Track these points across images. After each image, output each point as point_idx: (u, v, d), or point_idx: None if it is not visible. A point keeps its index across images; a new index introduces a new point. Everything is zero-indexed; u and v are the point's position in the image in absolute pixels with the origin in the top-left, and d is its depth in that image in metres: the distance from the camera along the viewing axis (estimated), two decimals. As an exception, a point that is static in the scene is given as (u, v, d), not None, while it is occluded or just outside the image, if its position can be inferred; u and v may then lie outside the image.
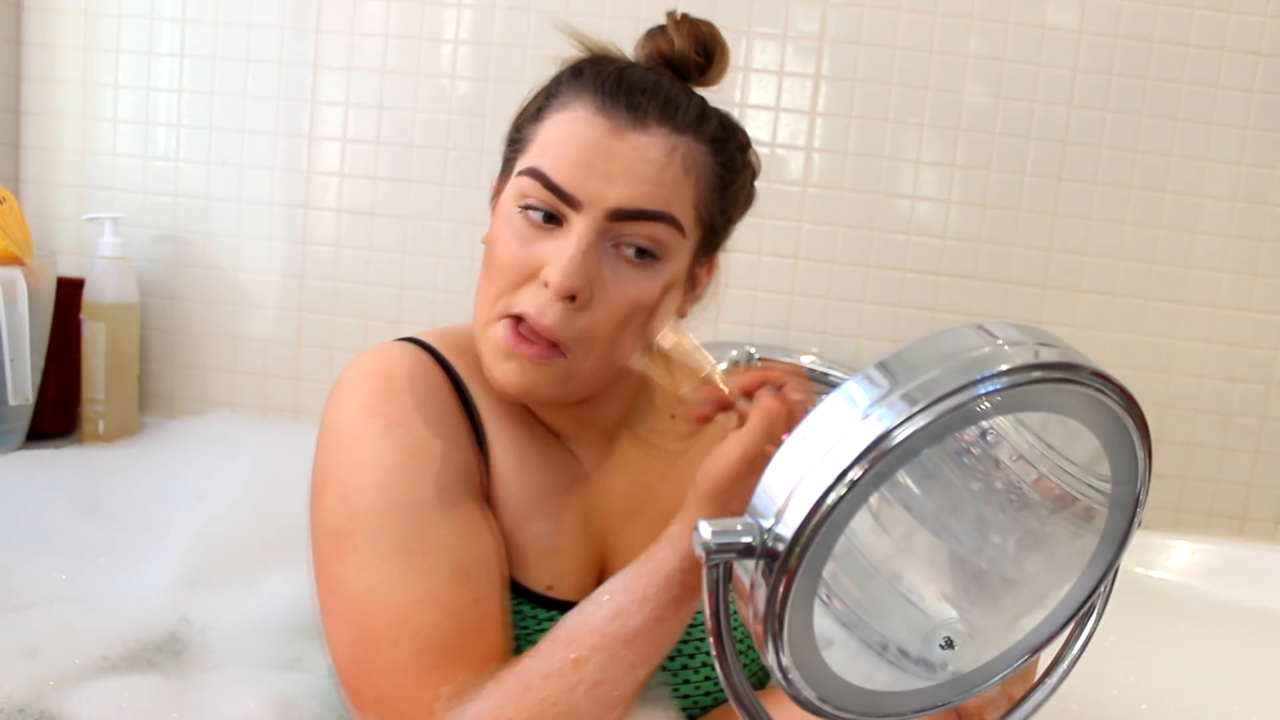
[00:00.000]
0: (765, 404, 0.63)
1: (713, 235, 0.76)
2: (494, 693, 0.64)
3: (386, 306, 1.43)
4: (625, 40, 0.78)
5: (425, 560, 0.67)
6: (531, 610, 0.72)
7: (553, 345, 0.69)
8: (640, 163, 0.69)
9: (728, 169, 0.75)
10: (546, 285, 0.68)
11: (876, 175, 1.39)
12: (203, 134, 1.43)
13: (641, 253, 0.70)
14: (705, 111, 0.74)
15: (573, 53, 0.77)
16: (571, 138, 0.69)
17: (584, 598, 0.73)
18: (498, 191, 0.77)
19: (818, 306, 1.41)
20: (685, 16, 0.77)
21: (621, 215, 0.69)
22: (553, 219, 0.70)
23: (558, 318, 0.68)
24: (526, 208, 0.70)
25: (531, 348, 0.69)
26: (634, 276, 0.70)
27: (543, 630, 0.70)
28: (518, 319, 0.70)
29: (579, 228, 0.68)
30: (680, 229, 0.71)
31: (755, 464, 0.59)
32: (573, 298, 0.68)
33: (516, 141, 0.75)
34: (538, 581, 0.74)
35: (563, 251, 0.68)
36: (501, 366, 0.71)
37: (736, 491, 0.62)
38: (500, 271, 0.71)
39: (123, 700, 0.83)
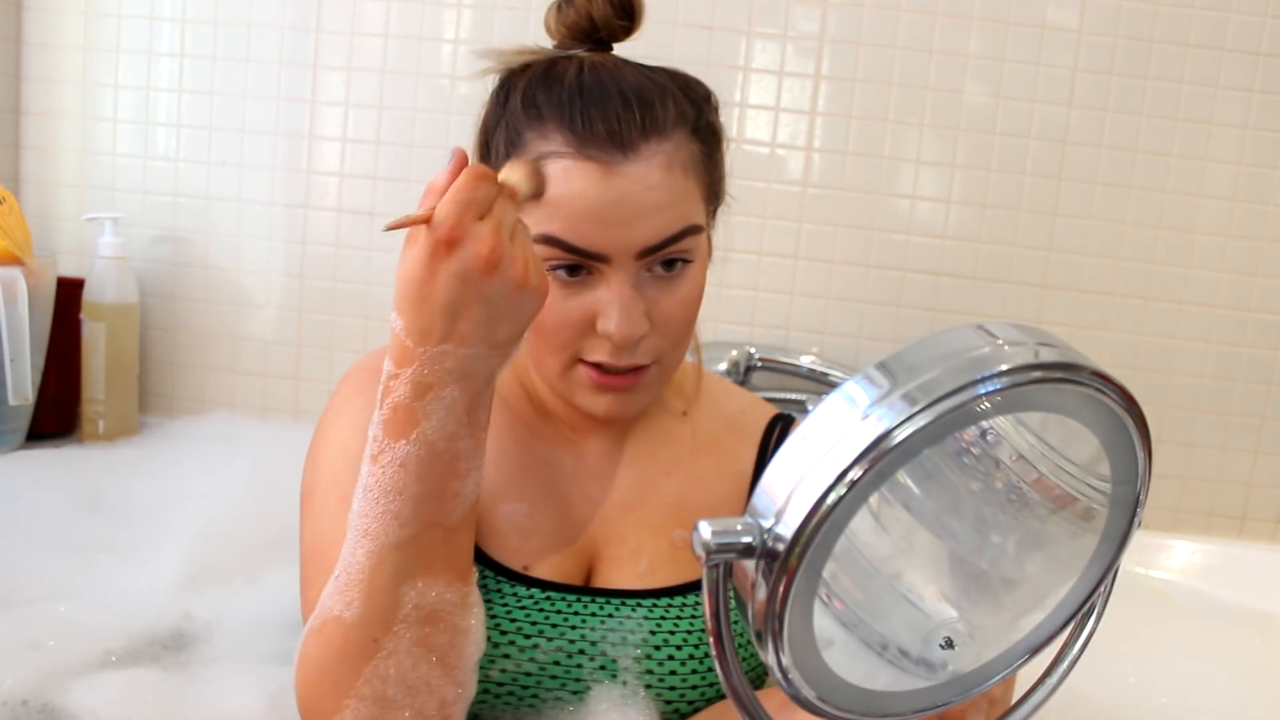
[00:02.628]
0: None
1: (718, 198, 0.77)
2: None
3: (386, 306, 1.42)
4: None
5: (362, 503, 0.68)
6: (511, 588, 0.73)
7: (638, 369, 0.73)
8: (647, 193, 0.69)
9: (710, 137, 0.75)
10: (609, 337, 0.70)
11: (876, 175, 1.39)
12: (203, 134, 1.43)
13: (673, 263, 0.72)
14: (666, 92, 0.72)
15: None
16: (570, 194, 0.68)
17: (561, 577, 0.75)
18: None
19: (818, 306, 1.41)
20: None
21: (650, 251, 0.70)
22: (580, 269, 0.70)
23: (633, 354, 0.71)
24: (555, 268, 0.70)
25: (624, 379, 0.73)
26: (677, 284, 0.72)
27: (522, 608, 0.72)
28: (596, 365, 0.72)
29: (615, 277, 0.69)
30: (701, 228, 0.73)
31: (434, 262, 0.59)
32: (640, 339, 0.71)
33: None
34: (514, 560, 0.75)
35: (610, 304, 0.69)
36: (599, 401, 0.74)
37: (426, 291, 0.60)
38: (552, 332, 0.72)
39: (125, 694, 0.83)
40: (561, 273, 0.70)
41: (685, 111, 0.72)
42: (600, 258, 0.69)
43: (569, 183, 0.68)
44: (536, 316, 0.64)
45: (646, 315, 0.71)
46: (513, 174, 0.65)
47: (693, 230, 0.71)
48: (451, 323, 0.60)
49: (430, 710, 0.63)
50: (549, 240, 0.69)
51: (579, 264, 0.70)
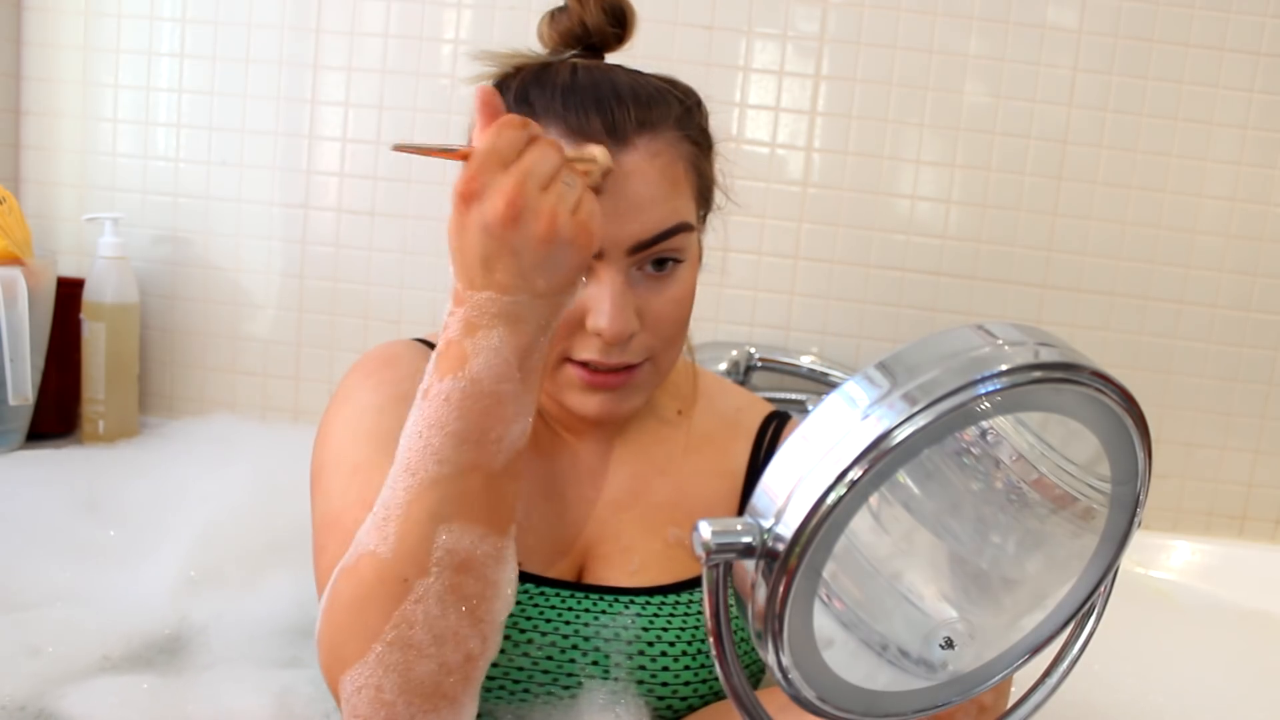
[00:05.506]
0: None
1: (708, 204, 0.78)
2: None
3: (386, 306, 1.43)
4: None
5: (367, 473, 0.68)
6: None
7: (629, 368, 0.72)
8: (641, 187, 0.69)
9: (701, 140, 0.75)
10: (599, 334, 0.70)
11: (876, 175, 1.39)
12: (203, 134, 1.43)
13: (664, 262, 0.72)
14: (660, 92, 0.73)
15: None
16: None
17: (553, 575, 0.76)
18: None
19: (818, 306, 1.41)
20: None
21: (640, 247, 0.70)
22: None
23: (623, 353, 0.71)
24: None
25: (613, 378, 0.72)
26: (667, 284, 0.72)
27: (516, 603, 0.72)
28: (584, 363, 0.72)
29: (606, 274, 0.69)
30: (692, 227, 0.73)
31: (459, 215, 0.59)
32: (630, 337, 0.71)
33: None
34: None
35: (600, 300, 0.69)
36: (589, 401, 0.74)
37: (460, 242, 0.60)
38: None
39: (123, 698, 0.83)
40: None
41: (678, 113, 0.73)
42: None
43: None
44: (584, 266, 0.62)
45: (637, 314, 0.71)
46: (586, 150, 0.65)
47: (684, 228, 0.71)
48: (488, 272, 0.60)
49: (454, 663, 0.62)
50: None
51: None
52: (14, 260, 1.25)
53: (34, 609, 0.97)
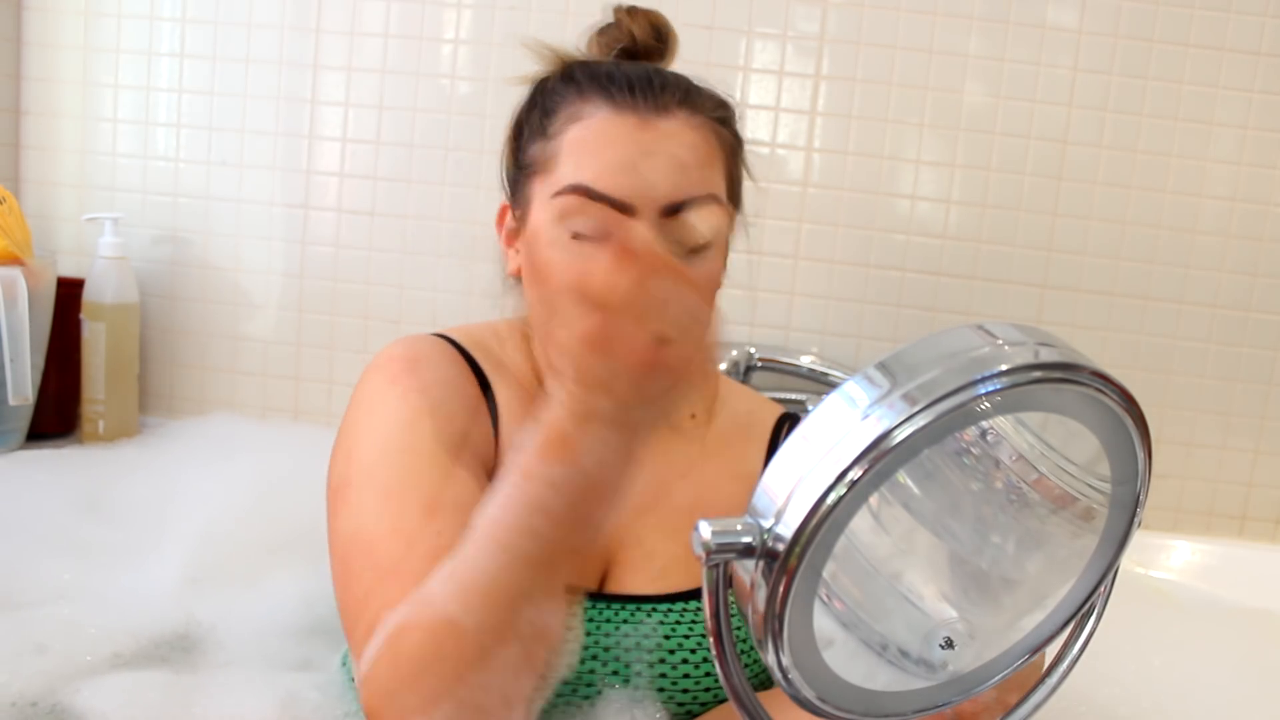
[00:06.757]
0: None
1: (737, 202, 0.79)
2: (403, 606, 0.62)
3: (386, 306, 1.43)
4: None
5: (401, 498, 0.68)
6: None
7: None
8: (678, 149, 0.70)
9: (737, 138, 0.78)
10: None
11: (876, 175, 1.39)
12: (203, 134, 1.43)
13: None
14: (700, 86, 0.76)
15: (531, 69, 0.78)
16: (602, 142, 0.69)
17: (579, 582, 0.74)
18: (515, 221, 0.77)
19: (818, 306, 1.41)
20: (634, 8, 0.79)
21: (675, 209, 0.70)
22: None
23: None
24: (577, 234, 0.69)
25: None
26: (698, 263, 0.72)
27: None
28: None
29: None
30: (722, 201, 0.74)
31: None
32: None
33: (527, 167, 0.74)
34: None
35: None
36: None
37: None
38: (564, 298, 0.70)
39: (133, 695, 0.83)
40: (585, 233, 0.70)
41: (717, 106, 0.75)
42: (625, 207, 0.69)
43: (601, 130, 0.70)
44: (683, 373, 0.57)
45: None
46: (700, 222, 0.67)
47: (715, 199, 0.72)
48: (607, 393, 0.56)
49: (515, 717, 0.61)
50: (578, 190, 0.69)
51: (606, 224, 0.69)
52: (14, 260, 1.25)
53: (37, 608, 0.97)
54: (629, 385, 0.55)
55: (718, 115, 0.75)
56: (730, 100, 0.79)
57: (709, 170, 0.72)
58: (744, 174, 0.80)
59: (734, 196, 0.78)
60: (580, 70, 0.74)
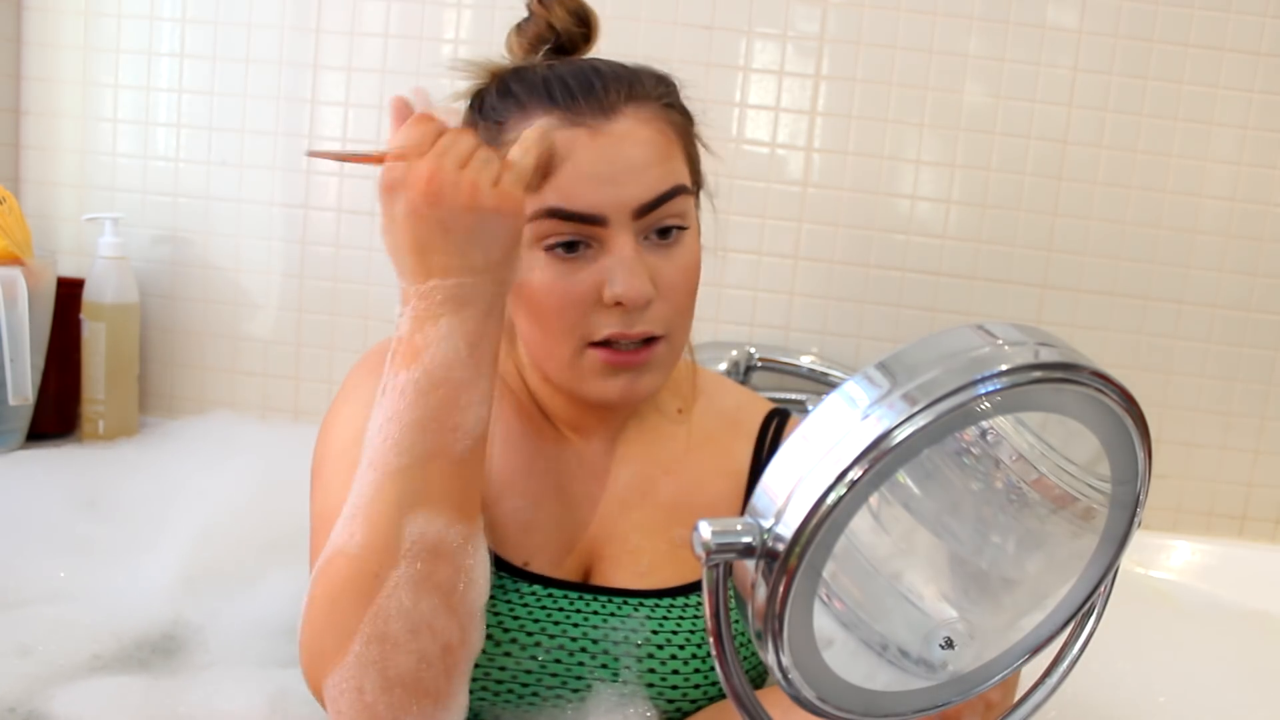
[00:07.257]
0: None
1: (699, 178, 0.79)
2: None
3: (386, 306, 1.43)
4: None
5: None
6: (514, 584, 0.74)
7: (650, 340, 0.72)
8: (635, 149, 0.70)
9: (686, 115, 0.77)
10: (619, 304, 0.70)
11: (876, 175, 1.39)
12: (203, 134, 1.43)
13: (668, 230, 0.72)
14: (638, 70, 0.75)
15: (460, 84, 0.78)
16: (558, 160, 0.69)
17: (561, 575, 0.75)
18: None
19: (818, 306, 1.41)
20: None
21: (646, 210, 0.70)
22: (578, 244, 0.70)
23: (643, 320, 0.71)
24: (552, 247, 0.70)
25: (634, 356, 0.72)
26: (675, 252, 0.73)
27: (525, 603, 0.73)
28: (605, 342, 0.72)
29: (615, 241, 0.70)
30: (689, 190, 0.74)
31: (386, 207, 0.64)
32: (648, 301, 0.71)
33: None
34: (515, 556, 0.75)
35: (614, 267, 0.70)
36: (612, 385, 0.73)
37: (392, 237, 0.65)
38: (556, 315, 0.71)
39: (113, 700, 0.83)
40: (560, 250, 0.70)
41: (659, 88, 0.75)
42: (598, 220, 0.69)
43: (557, 150, 0.69)
44: (517, 237, 0.65)
45: (652, 280, 0.71)
46: (517, 149, 0.67)
47: (682, 190, 0.73)
48: (424, 258, 0.63)
49: (433, 655, 0.62)
50: (548, 213, 0.69)
51: (578, 238, 0.70)
52: (14, 260, 1.25)
53: (28, 607, 0.97)
54: (433, 224, 0.62)
55: (664, 100, 0.74)
56: (668, 75, 0.77)
57: (671, 163, 0.72)
58: (700, 147, 0.79)
59: (695, 174, 0.77)
60: (515, 81, 0.73)
